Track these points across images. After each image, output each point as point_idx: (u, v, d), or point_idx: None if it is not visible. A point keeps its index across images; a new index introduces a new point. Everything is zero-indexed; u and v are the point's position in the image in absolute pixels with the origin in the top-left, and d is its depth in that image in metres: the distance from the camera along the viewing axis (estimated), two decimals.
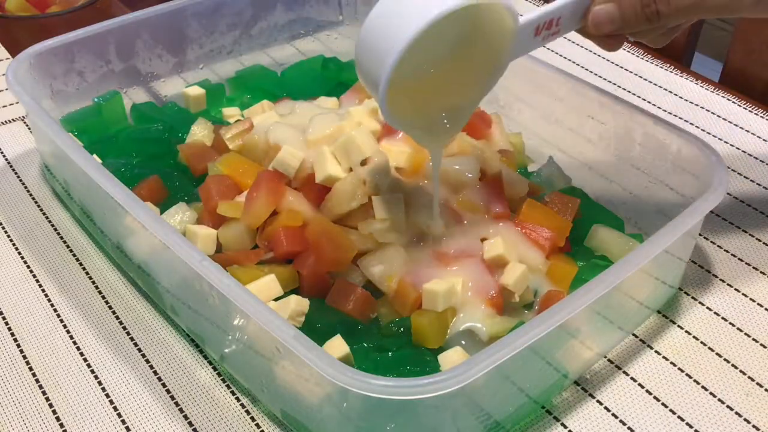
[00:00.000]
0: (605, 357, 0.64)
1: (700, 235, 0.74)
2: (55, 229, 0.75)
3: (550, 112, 0.80)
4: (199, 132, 0.78)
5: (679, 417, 0.59)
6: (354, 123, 0.71)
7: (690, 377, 0.62)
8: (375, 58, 0.53)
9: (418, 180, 0.69)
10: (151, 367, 0.62)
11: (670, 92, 0.94)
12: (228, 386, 0.61)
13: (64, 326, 0.66)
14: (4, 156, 0.84)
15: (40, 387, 0.61)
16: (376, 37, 0.54)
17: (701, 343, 0.65)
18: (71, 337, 0.65)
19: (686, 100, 0.92)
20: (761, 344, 0.65)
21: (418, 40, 0.52)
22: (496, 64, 0.60)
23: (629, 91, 0.94)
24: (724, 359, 0.64)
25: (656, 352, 0.64)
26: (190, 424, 0.58)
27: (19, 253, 0.72)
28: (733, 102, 0.92)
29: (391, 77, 0.53)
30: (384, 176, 0.66)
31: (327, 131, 0.70)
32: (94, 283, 0.70)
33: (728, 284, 0.70)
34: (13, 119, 0.89)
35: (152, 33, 0.85)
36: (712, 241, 0.74)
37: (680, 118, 0.90)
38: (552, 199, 0.70)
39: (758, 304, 0.68)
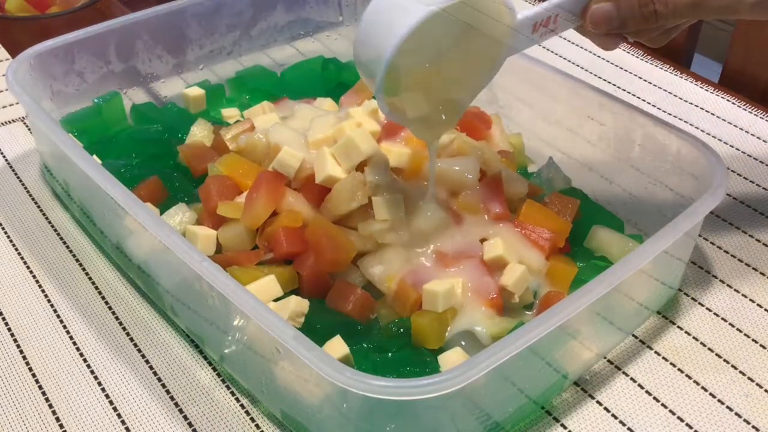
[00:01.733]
0: (605, 358, 0.64)
1: (699, 235, 0.74)
2: (55, 230, 0.75)
3: (550, 113, 0.80)
4: (199, 132, 0.78)
5: (678, 418, 0.59)
6: (354, 124, 0.71)
7: (690, 378, 0.62)
8: (373, 50, 0.54)
9: (418, 181, 0.69)
10: (151, 367, 0.62)
11: (670, 93, 0.94)
12: (228, 387, 0.61)
13: (64, 326, 0.66)
14: (4, 157, 0.84)
15: (40, 387, 0.61)
16: (374, 28, 0.54)
17: (701, 344, 0.65)
18: (71, 338, 0.65)
19: (686, 101, 0.92)
20: (761, 345, 0.65)
21: (415, 33, 0.52)
22: (493, 60, 0.60)
23: (629, 92, 0.94)
24: (724, 360, 0.64)
25: (656, 352, 0.64)
26: (190, 424, 0.58)
27: (19, 254, 0.72)
28: (733, 103, 0.92)
29: (388, 69, 0.53)
30: (384, 177, 0.66)
31: (327, 132, 0.70)
32: (94, 283, 0.70)
33: (728, 285, 0.70)
34: (13, 120, 0.89)
35: (152, 34, 0.85)
36: (711, 242, 0.74)
37: (680, 119, 0.90)
38: (552, 199, 0.70)
39: (758, 304, 0.68)
